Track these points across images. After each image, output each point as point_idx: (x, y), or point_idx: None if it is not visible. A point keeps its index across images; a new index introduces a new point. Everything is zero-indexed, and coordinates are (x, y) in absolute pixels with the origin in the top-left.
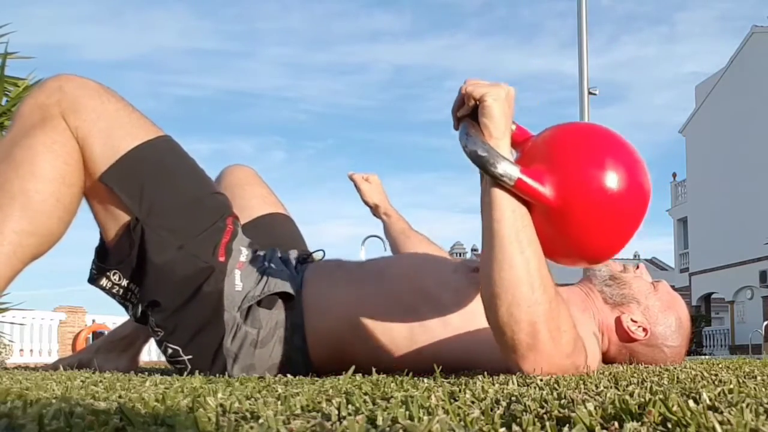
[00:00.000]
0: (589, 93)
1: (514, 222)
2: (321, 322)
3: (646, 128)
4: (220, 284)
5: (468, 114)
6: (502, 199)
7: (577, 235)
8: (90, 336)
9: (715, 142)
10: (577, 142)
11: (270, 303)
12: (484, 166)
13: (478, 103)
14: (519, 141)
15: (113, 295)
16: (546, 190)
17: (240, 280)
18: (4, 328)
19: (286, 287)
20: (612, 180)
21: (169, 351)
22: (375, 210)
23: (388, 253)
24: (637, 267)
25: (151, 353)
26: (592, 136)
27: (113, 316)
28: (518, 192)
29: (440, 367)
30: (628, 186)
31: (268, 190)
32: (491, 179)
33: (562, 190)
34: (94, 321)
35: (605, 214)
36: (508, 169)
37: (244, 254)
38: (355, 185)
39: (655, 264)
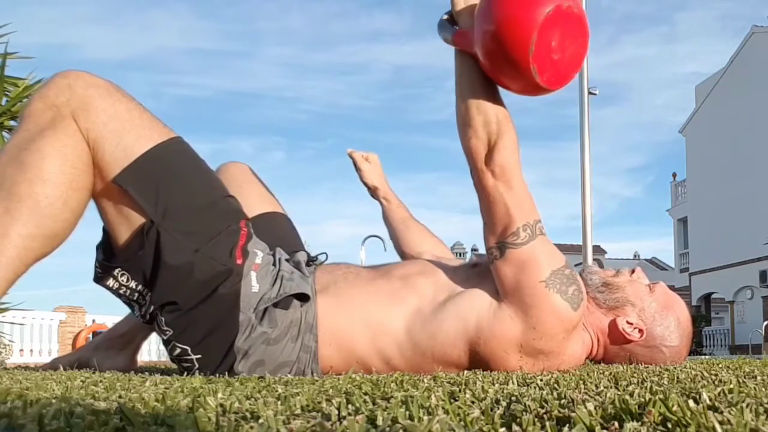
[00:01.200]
0: (589, 93)
1: (461, 68)
2: (332, 322)
3: (646, 128)
4: (237, 286)
5: None
6: (455, 56)
7: (497, 36)
8: (90, 336)
9: (715, 142)
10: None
11: (286, 303)
12: (439, 32)
13: None
14: None
15: (120, 296)
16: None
17: (256, 281)
18: (4, 328)
19: (302, 288)
20: None
21: (177, 350)
22: (374, 192)
23: (388, 253)
24: (633, 271)
25: (150, 353)
26: None
27: (113, 316)
28: (457, 46)
29: (440, 367)
30: None
31: (264, 188)
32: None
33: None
34: (94, 321)
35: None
36: (446, 32)
37: (259, 256)
38: (354, 164)
39: (655, 264)
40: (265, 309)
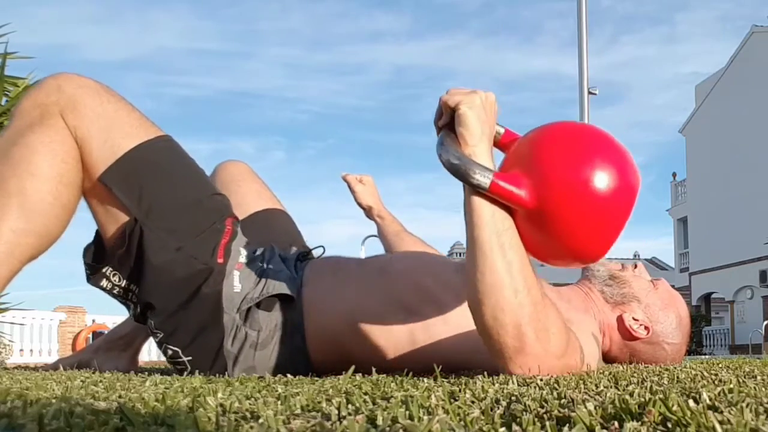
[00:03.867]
0: (589, 93)
1: (495, 226)
2: (321, 321)
3: (646, 128)
4: (219, 286)
5: (448, 123)
6: (480, 204)
7: (561, 236)
8: (90, 336)
9: (715, 142)
10: (553, 143)
11: (269, 305)
12: (457, 174)
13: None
14: (506, 143)
15: (114, 296)
16: (522, 192)
17: (239, 281)
18: (4, 328)
19: (284, 288)
20: (587, 179)
21: (169, 352)
22: (368, 212)
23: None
24: (635, 266)
25: (151, 353)
26: (569, 136)
27: (113, 316)
28: (495, 196)
29: (440, 367)
30: (606, 185)
31: (262, 185)
32: (468, 186)
33: (537, 191)
34: (94, 321)
35: (584, 212)
36: (481, 175)
37: (243, 255)
38: (349, 187)
39: (655, 264)
40: (249, 309)
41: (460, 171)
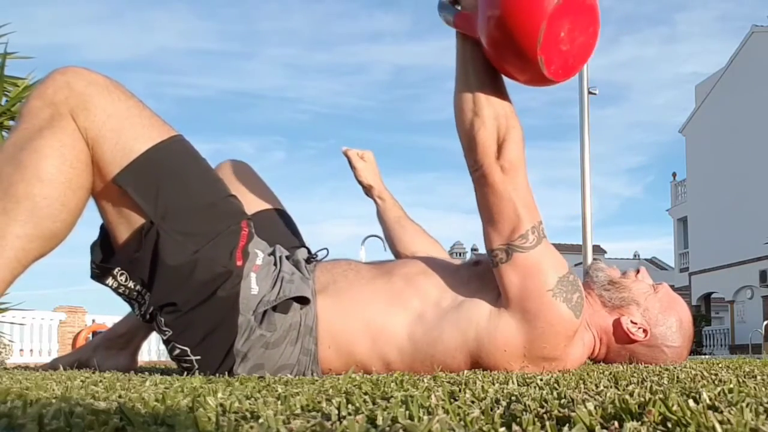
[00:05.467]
0: (589, 93)
1: (464, 54)
2: (332, 324)
3: (646, 128)
4: (237, 288)
5: None
6: (457, 40)
7: (508, 38)
8: (90, 336)
9: (715, 142)
10: None
11: (285, 307)
12: (439, 12)
13: None
14: None
15: (119, 294)
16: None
17: (256, 283)
18: (4, 328)
19: (302, 291)
20: None
21: (177, 351)
22: (369, 191)
23: (388, 252)
24: (638, 272)
25: (150, 353)
26: None
27: (113, 316)
28: (459, 29)
29: (440, 367)
30: None
31: (263, 185)
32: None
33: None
34: (94, 321)
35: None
36: (447, 13)
37: (260, 257)
38: (349, 162)
39: (655, 264)
40: (265, 312)
41: (438, 9)
